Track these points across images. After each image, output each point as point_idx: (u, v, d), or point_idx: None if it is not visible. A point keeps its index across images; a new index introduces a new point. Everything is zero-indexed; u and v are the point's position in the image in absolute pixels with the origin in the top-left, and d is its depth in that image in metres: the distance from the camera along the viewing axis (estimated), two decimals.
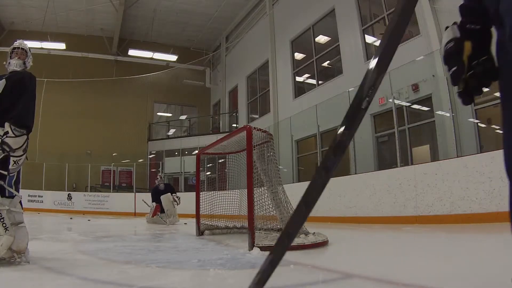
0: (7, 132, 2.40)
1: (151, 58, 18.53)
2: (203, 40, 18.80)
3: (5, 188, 2.43)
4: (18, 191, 2.52)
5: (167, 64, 18.69)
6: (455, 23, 1.02)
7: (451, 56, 1.00)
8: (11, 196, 2.44)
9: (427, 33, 7.46)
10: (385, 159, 8.43)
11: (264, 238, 3.46)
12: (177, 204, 8.66)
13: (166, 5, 15.33)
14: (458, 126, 6.60)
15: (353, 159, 8.57)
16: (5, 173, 2.42)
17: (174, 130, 19.68)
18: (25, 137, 2.46)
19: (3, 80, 2.55)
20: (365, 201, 6.41)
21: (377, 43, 9.50)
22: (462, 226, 4.62)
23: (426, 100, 7.47)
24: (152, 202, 9.10)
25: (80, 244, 3.85)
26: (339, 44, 10.29)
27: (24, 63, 2.77)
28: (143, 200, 10.26)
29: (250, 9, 15.58)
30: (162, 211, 8.64)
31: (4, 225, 2.30)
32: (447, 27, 1.04)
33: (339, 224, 6.54)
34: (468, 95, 1.04)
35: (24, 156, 2.47)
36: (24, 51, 2.79)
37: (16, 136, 2.40)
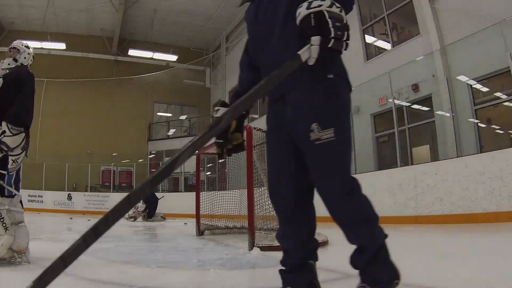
0: (4, 131, 2.38)
1: (151, 58, 18.52)
2: (203, 40, 18.79)
3: (4, 187, 2.42)
4: (18, 190, 2.51)
5: (167, 64, 18.68)
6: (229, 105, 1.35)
7: (221, 131, 1.29)
8: (11, 196, 2.43)
9: (427, 33, 7.45)
10: (385, 159, 8.42)
11: (264, 238, 3.46)
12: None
13: (166, 5, 15.32)
14: (458, 126, 6.59)
15: (353, 159, 8.56)
16: (5, 172, 2.41)
17: (174, 130, 19.68)
18: (23, 135, 2.44)
19: (0, 79, 2.55)
20: None
21: (377, 43, 9.50)
22: (462, 226, 4.62)
23: (426, 100, 7.47)
24: (143, 203, 10.19)
25: None
26: None
27: (15, 60, 2.72)
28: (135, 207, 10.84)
29: None
30: (151, 211, 10.10)
31: (4, 225, 2.29)
32: (221, 105, 1.41)
33: None
34: (221, 156, 1.42)
35: (23, 154, 2.46)
36: (15, 49, 2.75)
37: (14, 134, 2.39)
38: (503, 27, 5.74)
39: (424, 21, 7.53)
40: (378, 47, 9.44)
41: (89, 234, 0.94)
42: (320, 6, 1.01)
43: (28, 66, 2.79)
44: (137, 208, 10.24)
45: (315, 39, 1.01)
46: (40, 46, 15.77)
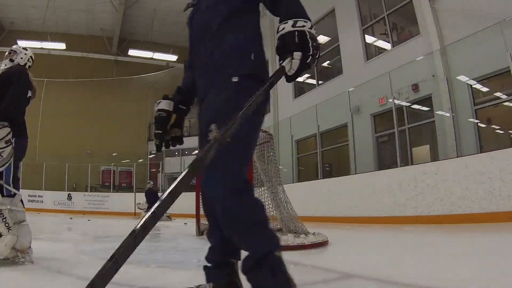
0: None
1: (151, 58, 18.52)
2: None
3: (3, 188, 2.42)
4: (18, 190, 2.52)
5: (167, 64, 18.68)
6: (170, 99, 1.55)
7: (160, 121, 1.50)
8: (12, 195, 2.44)
9: (427, 33, 7.46)
10: (385, 159, 8.42)
11: None
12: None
13: (166, 5, 15.32)
14: (458, 126, 6.59)
15: (353, 159, 8.57)
16: None
17: None
18: (8, 129, 2.40)
19: None
20: (365, 201, 6.41)
21: (377, 43, 9.50)
22: (462, 226, 4.62)
23: (426, 100, 7.47)
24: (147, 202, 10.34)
25: (80, 244, 3.85)
26: (339, 44, 10.29)
27: (11, 60, 2.75)
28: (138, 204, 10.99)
29: None
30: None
31: (7, 224, 2.30)
32: (163, 99, 1.56)
33: (339, 224, 6.54)
34: (160, 148, 1.52)
35: (8, 148, 2.39)
36: (13, 51, 2.79)
37: None
38: (503, 27, 5.74)
39: (424, 21, 7.53)
40: (378, 47, 9.45)
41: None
42: (303, 26, 1.16)
43: (26, 66, 2.80)
44: (139, 205, 10.69)
45: (297, 54, 1.14)
46: (40, 46, 15.79)
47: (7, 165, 2.43)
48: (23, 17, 15.41)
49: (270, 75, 1.24)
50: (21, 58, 2.77)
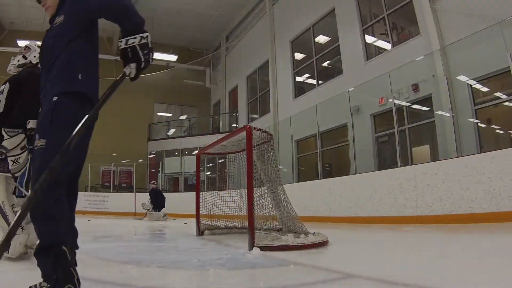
0: (2, 136, 2.47)
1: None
2: (203, 40, 18.80)
3: (16, 188, 2.53)
4: (28, 190, 2.57)
5: (167, 64, 18.68)
6: None
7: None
8: (23, 196, 2.51)
9: (427, 33, 7.46)
10: (385, 159, 8.42)
11: (264, 238, 3.46)
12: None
13: (166, 5, 15.33)
14: (458, 126, 6.60)
15: (353, 159, 8.57)
16: (7, 174, 2.47)
17: (174, 130, 19.68)
18: (22, 135, 2.49)
19: (6, 84, 2.57)
20: (365, 201, 6.41)
21: (377, 43, 9.50)
22: (462, 226, 4.62)
23: (426, 100, 7.47)
24: (151, 202, 10.46)
25: (80, 244, 3.85)
26: (339, 44, 10.29)
27: (24, 57, 2.75)
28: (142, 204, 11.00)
29: (250, 9, 15.57)
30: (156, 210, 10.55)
31: (20, 225, 2.36)
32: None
33: (339, 224, 6.54)
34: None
35: (23, 154, 2.50)
36: (27, 48, 2.79)
37: (11, 136, 2.45)
38: (503, 27, 5.74)
39: (424, 21, 7.53)
40: (378, 47, 9.45)
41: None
42: (133, 43, 1.55)
43: (38, 65, 2.81)
44: (144, 206, 10.68)
45: (133, 65, 1.55)
46: None
47: (23, 170, 2.53)
48: (23, 17, 15.41)
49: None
50: (34, 56, 2.76)
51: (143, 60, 1.56)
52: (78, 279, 1.48)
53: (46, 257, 1.45)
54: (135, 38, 1.55)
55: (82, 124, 1.45)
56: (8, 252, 2.45)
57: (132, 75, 1.58)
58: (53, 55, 1.64)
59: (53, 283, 1.42)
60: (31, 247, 2.46)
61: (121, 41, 1.56)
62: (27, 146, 2.51)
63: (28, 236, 2.43)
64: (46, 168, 1.39)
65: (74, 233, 1.67)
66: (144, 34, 1.58)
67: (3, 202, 2.52)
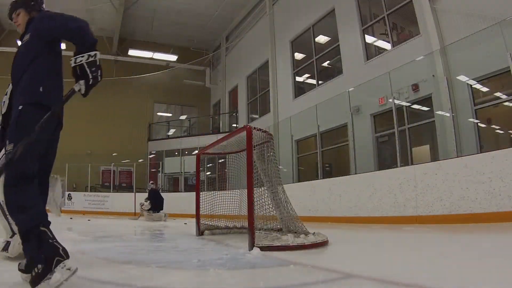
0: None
1: (151, 58, 18.51)
2: (203, 40, 18.80)
3: None
4: None
5: (167, 64, 18.68)
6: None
7: None
8: None
9: (427, 33, 7.46)
10: (385, 159, 8.43)
11: (264, 238, 3.46)
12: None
13: (166, 5, 15.33)
14: (458, 126, 6.60)
15: (353, 159, 8.57)
16: None
17: (174, 130, 19.67)
18: None
19: (10, 86, 2.57)
20: (365, 201, 6.41)
21: (377, 43, 9.50)
22: (462, 226, 4.62)
23: (426, 100, 7.47)
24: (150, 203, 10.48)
25: (80, 244, 3.85)
26: (339, 44, 10.29)
27: None
28: (140, 204, 11.02)
29: (250, 9, 15.58)
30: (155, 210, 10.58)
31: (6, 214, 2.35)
32: None
33: (339, 224, 6.54)
34: None
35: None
36: None
37: None
38: (503, 27, 5.74)
39: (424, 21, 7.53)
40: (378, 47, 9.45)
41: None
42: (81, 61, 1.72)
43: None
44: (143, 206, 10.68)
45: (82, 82, 1.74)
46: None
47: None
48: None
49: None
50: None
51: (91, 77, 1.73)
52: (63, 249, 1.59)
53: (29, 241, 1.60)
54: (82, 56, 1.72)
55: (38, 128, 1.64)
56: (8, 252, 2.46)
57: (82, 91, 1.75)
58: (20, 71, 1.86)
59: (43, 262, 1.52)
60: None
61: (71, 60, 1.74)
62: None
63: None
64: (16, 168, 1.60)
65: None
66: (92, 53, 1.73)
67: (3, 201, 2.52)
